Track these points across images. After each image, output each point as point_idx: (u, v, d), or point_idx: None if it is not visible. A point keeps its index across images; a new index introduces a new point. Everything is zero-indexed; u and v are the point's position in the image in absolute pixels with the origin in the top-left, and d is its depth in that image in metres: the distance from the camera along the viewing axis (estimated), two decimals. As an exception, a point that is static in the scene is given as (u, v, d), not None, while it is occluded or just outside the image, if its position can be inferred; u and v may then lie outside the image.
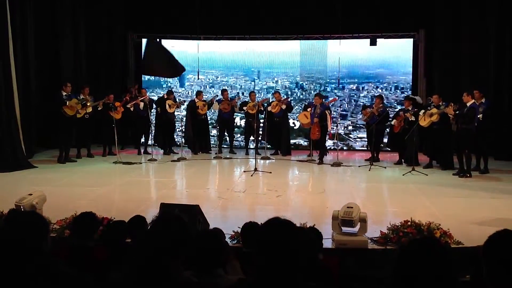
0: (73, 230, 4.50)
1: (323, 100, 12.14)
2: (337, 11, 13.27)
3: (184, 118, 12.97)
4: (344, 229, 5.62)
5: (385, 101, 12.46)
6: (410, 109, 11.16)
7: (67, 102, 11.06)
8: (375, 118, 11.46)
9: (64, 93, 11.19)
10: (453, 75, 12.81)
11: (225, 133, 13.17)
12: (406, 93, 13.41)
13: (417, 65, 13.53)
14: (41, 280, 2.20)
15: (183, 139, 12.73)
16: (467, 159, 9.87)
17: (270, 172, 10.32)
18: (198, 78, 14.35)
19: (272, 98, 12.93)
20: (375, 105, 11.78)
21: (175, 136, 13.27)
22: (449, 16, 12.97)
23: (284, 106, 12.46)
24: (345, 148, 13.74)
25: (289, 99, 13.00)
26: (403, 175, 9.99)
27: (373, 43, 13.48)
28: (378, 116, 11.40)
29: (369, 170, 10.65)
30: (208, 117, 13.35)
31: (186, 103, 13.30)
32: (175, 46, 14.51)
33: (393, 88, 13.79)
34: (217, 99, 13.02)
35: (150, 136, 12.62)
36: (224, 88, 13.36)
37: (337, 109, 12.24)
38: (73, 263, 3.52)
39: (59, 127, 11.25)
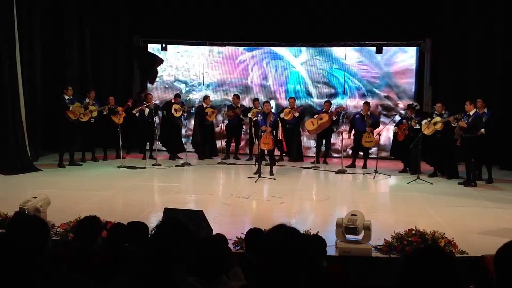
0: (76, 234, 4.50)
1: (330, 108, 12.28)
2: (343, 19, 13.30)
3: (192, 123, 13.00)
4: (348, 236, 5.61)
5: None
6: (413, 116, 11.18)
7: (70, 107, 11.09)
8: (364, 124, 11.74)
9: (66, 97, 11.20)
10: (459, 83, 12.78)
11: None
12: (411, 101, 13.39)
13: (422, 74, 13.53)
14: (43, 284, 2.20)
15: (190, 144, 12.80)
16: (472, 168, 9.85)
17: (274, 179, 10.31)
18: (203, 84, 14.38)
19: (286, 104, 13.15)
20: (364, 111, 11.92)
21: (183, 141, 13.29)
22: (455, 25, 12.96)
23: (297, 114, 12.48)
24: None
25: (302, 107, 12.97)
26: (408, 183, 9.96)
27: (378, 51, 13.51)
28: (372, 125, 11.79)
29: (374, 178, 10.64)
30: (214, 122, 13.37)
31: (193, 109, 13.38)
32: (180, 51, 14.58)
33: (397, 96, 13.74)
34: (227, 105, 13.14)
35: (156, 141, 12.63)
36: (236, 93, 13.40)
37: (342, 116, 12.21)
38: (76, 266, 3.52)
39: (61, 131, 11.24)
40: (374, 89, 13.81)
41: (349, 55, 13.88)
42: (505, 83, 12.07)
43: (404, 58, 13.71)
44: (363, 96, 13.78)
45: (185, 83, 14.64)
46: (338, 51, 13.93)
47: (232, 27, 13.73)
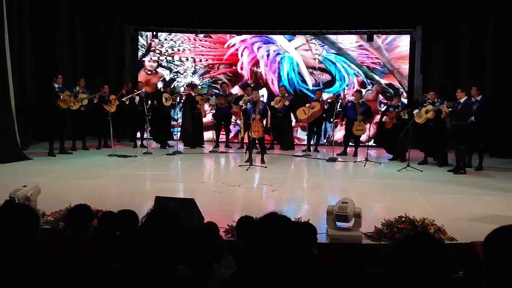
0: (67, 222, 4.48)
1: (322, 96, 12.27)
2: (335, 6, 13.23)
3: (181, 112, 12.92)
4: (339, 224, 5.63)
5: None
6: (399, 105, 11.26)
7: (61, 95, 11.02)
8: (355, 112, 11.69)
9: (56, 85, 11.13)
10: (450, 72, 12.83)
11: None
12: (401, 89, 13.42)
13: (413, 62, 13.53)
14: (34, 273, 2.19)
15: (179, 133, 12.73)
16: (462, 156, 9.92)
17: (266, 167, 10.33)
18: (195, 72, 14.28)
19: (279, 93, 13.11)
20: (355, 100, 11.85)
21: (171, 130, 13.24)
22: (446, 13, 12.97)
23: (287, 103, 12.45)
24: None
25: (292, 96, 12.92)
26: (398, 171, 10.01)
27: (370, 39, 13.48)
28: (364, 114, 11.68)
29: (364, 165, 10.68)
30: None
31: (178, 98, 13.30)
32: (163, 35, 14.37)
33: (400, 84, 13.55)
34: (215, 93, 13.05)
35: (146, 129, 12.59)
36: (224, 82, 13.33)
37: (339, 105, 12.20)
38: (67, 255, 3.51)
39: (52, 120, 11.16)
40: (374, 76, 13.65)
41: (347, 40, 13.70)
42: (496, 72, 12.13)
43: (406, 43, 13.53)
44: (362, 83, 13.63)
45: (169, 69, 14.44)
46: (329, 39, 13.80)
47: (223, 14, 13.61)
